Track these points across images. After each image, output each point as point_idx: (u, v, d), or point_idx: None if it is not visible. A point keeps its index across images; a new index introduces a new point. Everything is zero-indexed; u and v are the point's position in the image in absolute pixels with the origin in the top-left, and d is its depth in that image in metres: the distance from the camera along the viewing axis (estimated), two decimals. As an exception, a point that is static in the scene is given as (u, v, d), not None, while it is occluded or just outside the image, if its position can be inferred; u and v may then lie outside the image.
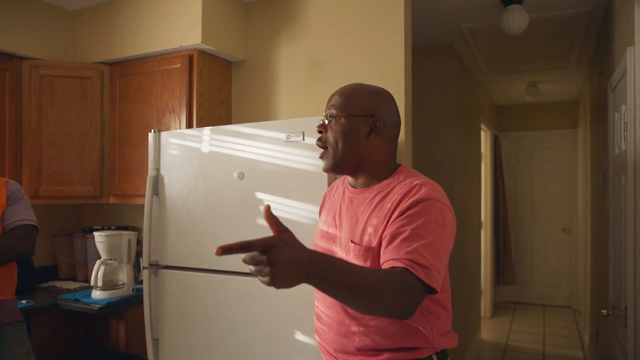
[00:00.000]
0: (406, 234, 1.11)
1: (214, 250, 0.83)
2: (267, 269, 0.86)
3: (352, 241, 1.25)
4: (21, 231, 1.95)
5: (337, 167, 1.31)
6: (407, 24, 2.43)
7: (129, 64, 2.79)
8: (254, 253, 0.86)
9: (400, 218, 1.15)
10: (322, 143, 1.32)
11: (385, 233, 1.17)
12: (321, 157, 1.33)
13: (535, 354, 4.62)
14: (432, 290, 1.09)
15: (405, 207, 1.16)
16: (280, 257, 0.87)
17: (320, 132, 1.32)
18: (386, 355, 1.21)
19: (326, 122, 1.32)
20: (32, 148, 2.70)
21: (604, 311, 2.22)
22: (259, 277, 0.88)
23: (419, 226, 1.12)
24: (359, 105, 1.29)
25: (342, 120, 1.28)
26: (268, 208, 0.97)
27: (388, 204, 1.21)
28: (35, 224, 2.01)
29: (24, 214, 1.98)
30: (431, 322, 1.24)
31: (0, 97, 2.62)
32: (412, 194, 1.19)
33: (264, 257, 0.86)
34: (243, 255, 0.87)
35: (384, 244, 1.16)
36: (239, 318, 2.05)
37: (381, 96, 1.34)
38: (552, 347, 4.78)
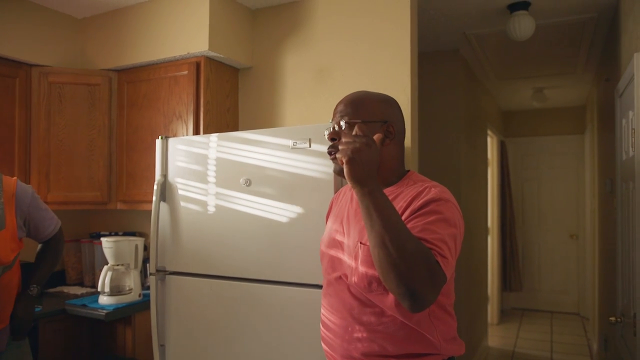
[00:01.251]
0: (418, 228, 1.12)
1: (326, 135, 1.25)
2: (358, 141, 1.06)
3: (361, 242, 1.24)
4: (57, 242, 2.07)
5: None
6: (414, 31, 2.44)
7: (136, 70, 2.81)
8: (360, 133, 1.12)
9: (411, 217, 1.16)
10: (335, 150, 1.28)
11: None
12: (332, 159, 1.30)
13: (543, 361, 4.59)
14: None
15: (417, 206, 1.17)
16: (373, 146, 1.09)
17: (332, 139, 1.30)
18: (393, 361, 1.21)
19: (338, 129, 1.30)
20: (41, 154, 2.72)
21: (613, 318, 2.21)
22: (343, 148, 1.07)
23: (430, 222, 1.13)
24: (373, 111, 1.30)
25: (357, 126, 1.27)
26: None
27: (397, 206, 1.21)
28: (59, 222, 2.07)
29: (50, 224, 2.01)
30: (438, 328, 1.23)
31: (9, 104, 2.65)
32: (423, 194, 1.19)
33: (365, 138, 1.08)
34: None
35: None
36: (246, 325, 2.05)
37: (390, 103, 1.36)
38: (560, 354, 4.74)
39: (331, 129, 1.30)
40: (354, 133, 1.14)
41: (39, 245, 2.08)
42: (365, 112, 1.29)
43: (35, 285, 1.97)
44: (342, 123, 1.28)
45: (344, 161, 1.06)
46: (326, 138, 1.31)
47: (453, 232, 1.15)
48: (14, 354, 1.87)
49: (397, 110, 1.36)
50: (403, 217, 1.18)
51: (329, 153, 1.31)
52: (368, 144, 1.07)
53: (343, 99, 1.34)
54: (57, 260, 2.11)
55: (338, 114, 1.31)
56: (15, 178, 1.92)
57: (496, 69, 4.29)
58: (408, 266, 1.00)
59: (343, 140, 1.10)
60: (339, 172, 1.31)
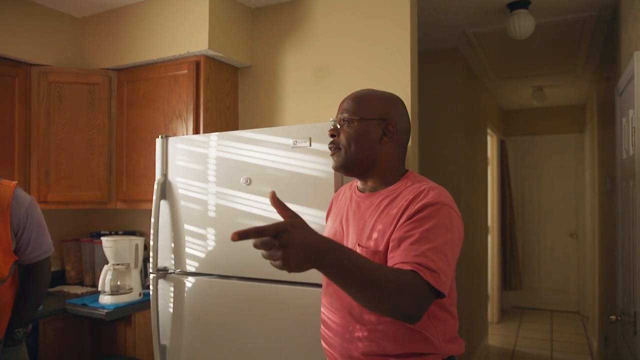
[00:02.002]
0: (414, 237, 1.11)
1: (230, 236, 0.85)
2: (279, 253, 0.89)
3: (359, 245, 1.25)
4: (41, 273, 1.91)
5: (347, 167, 1.32)
6: (413, 29, 2.44)
7: (136, 70, 2.81)
8: (266, 238, 0.89)
9: (408, 222, 1.15)
10: (335, 146, 1.33)
11: (392, 237, 1.17)
12: (332, 155, 1.34)
13: (543, 359, 4.59)
14: (440, 295, 1.08)
15: (414, 211, 1.16)
16: (293, 240, 0.89)
17: (332, 135, 1.33)
18: (392, 361, 1.21)
19: (338, 126, 1.33)
20: (41, 154, 2.72)
21: (613, 317, 2.21)
22: (271, 261, 0.91)
23: (427, 230, 1.12)
24: (372, 109, 1.31)
25: (356, 123, 1.29)
26: (274, 194, 0.98)
27: (394, 210, 1.21)
28: (51, 250, 1.95)
29: (42, 244, 1.89)
30: (437, 328, 1.23)
31: (9, 104, 2.64)
32: (420, 198, 1.19)
33: (276, 241, 0.88)
34: (254, 241, 0.89)
35: (391, 247, 1.16)
36: (247, 324, 2.05)
37: (393, 101, 1.35)
38: (560, 353, 4.74)
39: (332, 126, 1.34)
40: (270, 200, 0.97)
41: (21, 276, 1.89)
42: (365, 110, 1.30)
43: (21, 329, 1.86)
44: (337, 124, 1.33)
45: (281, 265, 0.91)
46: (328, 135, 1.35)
47: (450, 238, 1.15)
48: None
49: (399, 108, 1.36)
50: (400, 221, 1.17)
51: (330, 149, 1.34)
52: (283, 245, 0.88)
53: (348, 95, 1.36)
54: (43, 296, 1.96)
55: (341, 110, 1.34)
56: (14, 184, 1.83)
57: (496, 67, 4.29)
58: (394, 304, 1.03)
59: (263, 254, 0.92)
60: (337, 168, 1.33)
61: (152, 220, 2.25)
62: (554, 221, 6.27)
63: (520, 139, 6.44)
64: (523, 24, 2.81)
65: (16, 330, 1.85)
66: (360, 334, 1.23)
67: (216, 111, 2.68)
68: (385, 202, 1.27)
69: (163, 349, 2.25)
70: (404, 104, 1.38)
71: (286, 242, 0.88)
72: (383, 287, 1.00)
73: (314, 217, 1.89)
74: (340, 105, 1.35)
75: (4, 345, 1.83)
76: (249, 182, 2.06)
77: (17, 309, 1.86)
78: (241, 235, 0.85)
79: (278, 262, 0.90)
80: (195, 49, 2.56)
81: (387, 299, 1.01)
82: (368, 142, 1.29)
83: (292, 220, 0.94)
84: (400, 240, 1.13)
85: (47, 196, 2.71)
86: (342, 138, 1.31)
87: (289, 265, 0.90)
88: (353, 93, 1.36)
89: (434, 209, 1.16)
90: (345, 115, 1.31)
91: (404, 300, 1.02)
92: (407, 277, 1.04)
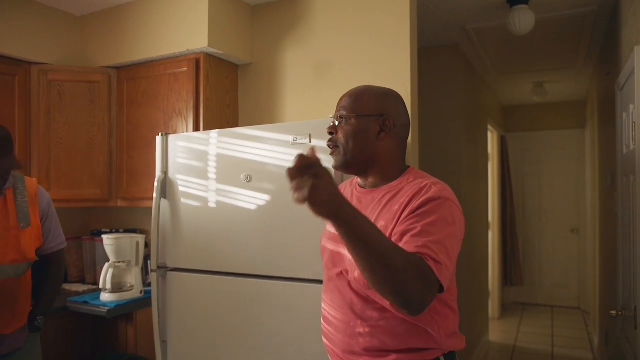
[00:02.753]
0: (416, 230, 1.11)
1: (286, 172, 0.93)
2: (309, 182, 0.91)
3: None
4: (59, 264, 2.08)
5: (346, 165, 1.32)
6: (413, 25, 2.43)
7: (136, 68, 2.81)
8: (304, 163, 0.93)
9: (410, 216, 1.16)
10: (333, 143, 1.33)
11: (395, 231, 1.17)
12: (331, 154, 1.35)
13: (544, 355, 4.60)
14: (440, 289, 1.08)
15: (416, 206, 1.17)
16: (326, 175, 0.93)
17: (331, 133, 1.34)
18: (393, 356, 1.21)
19: (337, 123, 1.34)
20: (41, 152, 2.72)
21: (614, 312, 2.21)
22: (297, 192, 0.93)
23: (428, 223, 1.12)
24: (368, 105, 1.31)
25: (353, 120, 1.30)
26: (313, 150, 1.00)
27: (396, 206, 1.21)
28: (65, 242, 2.10)
29: (59, 236, 2.05)
30: (439, 323, 1.23)
31: (9, 102, 2.65)
32: (422, 193, 1.19)
33: (312, 169, 0.92)
34: (290, 166, 0.93)
35: (394, 241, 1.16)
36: (247, 320, 2.06)
37: (390, 96, 1.35)
38: (561, 348, 4.75)
39: (331, 124, 1.35)
40: (301, 164, 0.95)
41: (39, 266, 2.01)
42: (361, 106, 1.31)
43: (41, 318, 2.00)
44: (335, 122, 1.33)
45: (306, 204, 0.94)
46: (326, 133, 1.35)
47: (452, 232, 1.15)
48: (29, 349, 1.96)
49: (397, 103, 1.36)
50: (402, 216, 1.18)
51: (328, 147, 1.34)
52: (318, 174, 0.92)
53: (346, 92, 1.36)
54: (60, 285, 2.12)
55: (339, 108, 1.34)
56: (35, 179, 2.01)
57: (496, 63, 4.28)
58: (399, 281, 1.00)
59: (293, 182, 0.94)
60: (337, 168, 1.33)
61: (153, 217, 2.25)
62: (555, 217, 6.27)
63: (521, 134, 6.44)
64: (523, 19, 2.80)
65: (38, 318, 1.98)
66: (361, 330, 1.24)
67: (216, 109, 2.67)
68: (386, 197, 1.27)
69: (164, 345, 2.26)
70: (402, 100, 1.38)
71: (320, 173, 0.92)
72: (392, 259, 0.99)
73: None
74: (338, 103, 1.35)
75: (28, 330, 1.97)
76: (249, 179, 2.06)
77: (37, 297, 2.01)
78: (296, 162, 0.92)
79: (305, 192, 0.91)
80: (195, 46, 2.56)
81: (394, 272, 0.99)
82: (365, 138, 1.29)
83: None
84: (403, 234, 1.14)
85: (47, 194, 2.71)
86: (340, 135, 1.31)
87: (314, 196, 0.91)
88: (350, 90, 1.36)
89: (436, 203, 1.16)
90: (343, 112, 1.32)
91: (410, 277, 1.01)
92: (417, 259, 1.05)
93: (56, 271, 2.07)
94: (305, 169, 0.92)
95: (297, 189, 0.93)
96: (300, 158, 0.93)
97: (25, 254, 1.85)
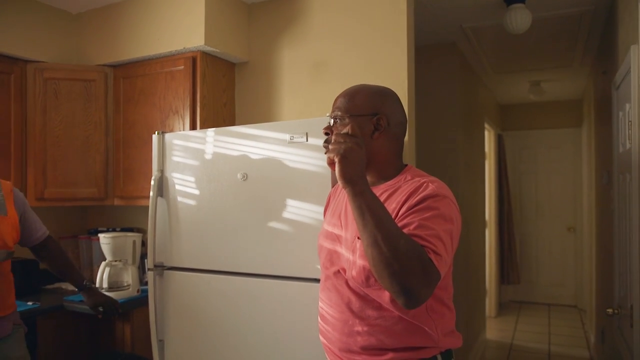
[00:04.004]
0: (414, 225, 1.12)
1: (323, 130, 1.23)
2: (350, 144, 1.07)
3: (359, 238, 1.24)
4: (54, 242, 2.21)
5: None
6: (410, 24, 2.43)
7: (132, 66, 2.80)
8: (351, 132, 1.11)
9: (408, 213, 1.16)
10: (329, 143, 1.32)
11: None
12: (326, 153, 1.33)
13: (540, 353, 4.61)
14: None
15: (413, 203, 1.17)
16: (361, 149, 1.10)
17: (326, 133, 1.33)
18: (390, 354, 1.21)
19: (332, 123, 1.33)
20: (37, 150, 2.71)
21: (610, 310, 2.22)
22: (335, 147, 1.08)
23: (426, 218, 1.13)
24: (362, 105, 1.31)
25: (347, 120, 1.29)
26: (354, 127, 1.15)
27: (394, 204, 1.21)
28: (47, 230, 2.19)
29: (42, 225, 2.15)
30: (436, 322, 1.24)
31: (5, 100, 2.63)
32: (419, 191, 1.19)
33: (355, 138, 1.10)
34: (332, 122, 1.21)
35: None
36: (244, 319, 2.06)
37: (385, 95, 1.35)
38: (558, 346, 4.76)
39: (327, 124, 1.34)
40: (348, 131, 1.12)
41: (42, 252, 2.17)
42: (355, 106, 1.30)
43: (86, 280, 2.26)
44: (331, 122, 1.33)
45: (335, 160, 1.08)
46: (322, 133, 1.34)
47: (449, 228, 1.15)
48: (16, 338, 1.98)
49: (392, 101, 1.35)
50: (400, 213, 1.18)
51: (324, 147, 1.32)
52: (358, 144, 1.09)
53: (342, 92, 1.36)
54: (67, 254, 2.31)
55: (334, 108, 1.34)
56: (9, 181, 2.13)
57: (493, 62, 4.29)
58: (401, 264, 1.00)
59: (334, 139, 1.10)
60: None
61: (150, 216, 2.25)
62: (552, 215, 6.29)
63: (518, 133, 6.45)
64: (520, 18, 2.80)
65: (84, 282, 2.24)
66: (359, 329, 1.24)
67: (213, 107, 2.67)
68: (384, 196, 1.27)
69: (161, 344, 2.26)
70: (397, 98, 1.38)
71: (360, 144, 1.09)
72: (396, 239, 1.02)
73: (312, 212, 1.89)
74: (334, 103, 1.35)
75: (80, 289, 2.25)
76: (245, 177, 2.06)
77: (67, 269, 2.23)
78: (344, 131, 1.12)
79: (343, 146, 1.07)
80: (192, 44, 2.55)
81: (396, 252, 1.00)
82: None
83: None
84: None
85: (44, 193, 2.70)
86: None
87: (349, 154, 1.06)
88: (346, 90, 1.36)
89: (433, 200, 1.17)
90: (337, 112, 1.32)
91: (411, 263, 1.01)
92: (419, 247, 1.06)
93: (57, 247, 2.22)
94: (349, 136, 1.09)
95: (335, 145, 1.07)
96: (348, 132, 1.10)
97: (5, 241, 1.90)
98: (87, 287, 2.24)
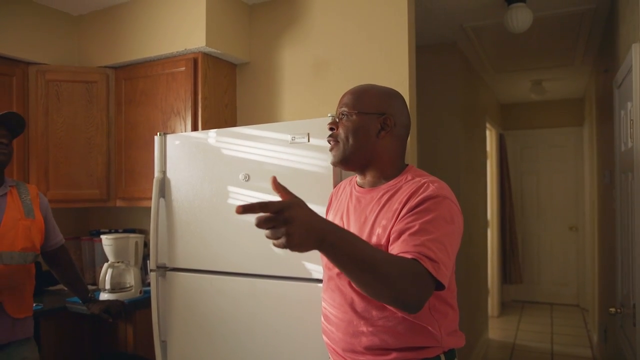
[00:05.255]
0: (414, 229, 1.12)
1: (235, 209, 0.86)
2: (283, 229, 0.88)
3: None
4: (67, 253, 2.28)
5: (345, 161, 1.32)
6: (411, 24, 2.43)
7: (134, 67, 2.80)
8: (270, 214, 0.88)
9: (408, 215, 1.16)
10: (333, 139, 1.34)
11: (393, 229, 1.17)
12: (330, 150, 1.35)
13: (543, 352, 4.60)
14: (440, 286, 1.08)
15: (414, 204, 1.17)
16: (296, 216, 0.89)
17: (331, 128, 1.34)
18: (394, 354, 1.21)
19: (337, 119, 1.34)
20: (39, 152, 2.72)
21: (612, 309, 2.22)
22: (274, 240, 0.90)
23: (427, 221, 1.13)
24: (370, 103, 1.31)
25: (354, 117, 1.30)
26: (275, 179, 0.99)
27: (395, 204, 1.22)
28: (63, 239, 2.28)
29: (59, 233, 2.22)
30: (439, 321, 1.24)
31: (7, 102, 2.64)
32: (420, 191, 1.19)
33: (280, 217, 0.88)
34: (257, 217, 0.88)
35: (392, 239, 1.16)
36: (247, 319, 2.06)
37: (392, 96, 1.36)
38: (561, 345, 4.76)
39: (331, 120, 1.36)
40: (271, 184, 0.98)
41: (53, 260, 2.22)
42: (363, 104, 1.31)
43: (92, 292, 2.34)
44: (336, 118, 1.34)
45: (287, 246, 0.90)
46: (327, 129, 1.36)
47: (450, 230, 1.15)
48: (33, 340, 2.06)
49: (399, 103, 1.36)
50: (401, 214, 1.18)
51: (328, 142, 1.36)
52: (287, 220, 0.88)
53: (349, 90, 1.37)
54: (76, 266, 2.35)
55: (341, 104, 1.35)
56: (34, 185, 2.28)
57: (494, 61, 4.28)
58: (395, 289, 1.01)
59: (266, 233, 0.90)
60: (335, 163, 1.34)
61: (152, 217, 2.25)
62: (554, 214, 6.28)
63: (519, 132, 6.44)
64: (520, 17, 2.80)
65: (90, 294, 2.29)
66: (364, 329, 1.24)
67: (214, 108, 2.67)
68: (386, 196, 1.27)
69: (164, 345, 2.26)
70: (404, 100, 1.39)
71: (290, 217, 0.88)
72: (384, 272, 0.99)
73: (313, 213, 1.89)
74: (340, 100, 1.36)
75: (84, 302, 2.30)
76: (247, 178, 2.06)
77: (75, 281, 2.27)
78: (245, 208, 0.86)
79: (281, 240, 0.89)
80: (193, 45, 2.55)
81: (387, 283, 1.00)
82: (366, 135, 1.30)
83: (296, 199, 0.95)
84: (401, 232, 1.14)
85: (46, 195, 2.69)
86: (341, 131, 1.32)
87: (292, 241, 0.89)
88: (353, 87, 1.37)
89: (434, 201, 1.16)
90: (345, 109, 1.32)
91: (404, 286, 1.02)
92: (409, 264, 1.05)
93: (69, 258, 2.26)
94: (273, 219, 0.88)
95: (272, 236, 0.90)
96: (264, 208, 0.87)
97: (34, 243, 2.00)
98: (91, 299, 2.30)
